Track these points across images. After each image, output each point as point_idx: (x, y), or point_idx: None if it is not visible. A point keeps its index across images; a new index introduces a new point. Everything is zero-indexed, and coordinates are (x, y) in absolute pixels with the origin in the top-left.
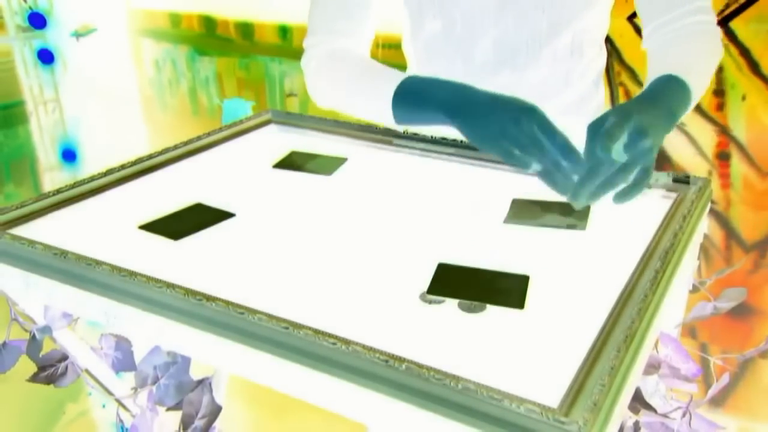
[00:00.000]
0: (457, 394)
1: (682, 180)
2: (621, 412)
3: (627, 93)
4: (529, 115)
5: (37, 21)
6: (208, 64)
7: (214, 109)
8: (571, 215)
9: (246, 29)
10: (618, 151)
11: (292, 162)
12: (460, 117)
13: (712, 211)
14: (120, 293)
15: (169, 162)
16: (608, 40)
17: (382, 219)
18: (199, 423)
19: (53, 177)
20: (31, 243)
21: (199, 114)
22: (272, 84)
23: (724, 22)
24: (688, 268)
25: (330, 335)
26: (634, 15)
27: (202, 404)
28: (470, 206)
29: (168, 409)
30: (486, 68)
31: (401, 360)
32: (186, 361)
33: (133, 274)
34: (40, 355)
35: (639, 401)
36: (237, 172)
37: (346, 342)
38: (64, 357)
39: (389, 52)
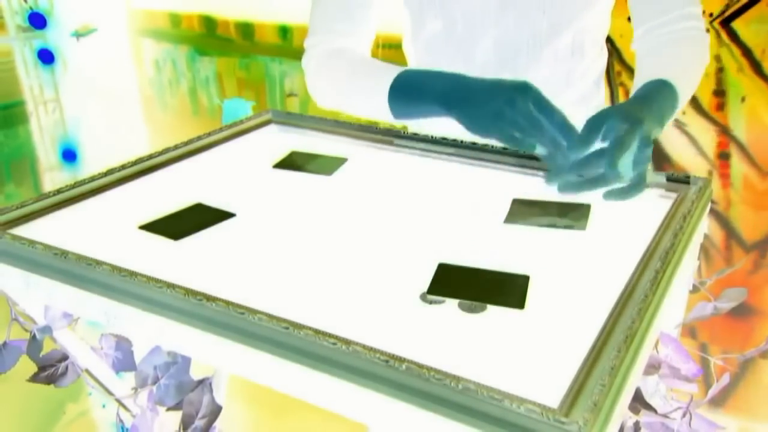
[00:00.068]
0: (458, 395)
1: (682, 180)
2: (621, 413)
3: (627, 93)
4: (524, 94)
5: (38, 21)
6: (209, 64)
7: (215, 109)
8: (571, 215)
9: (246, 29)
10: (626, 165)
11: (292, 162)
12: (455, 106)
13: (713, 211)
14: (120, 293)
15: (169, 162)
16: (608, 40)
17: (383, 219)
18: (199, 423)
19: (53, 177)
20: (32, 243)
21: (200, 114)
22: (272, 84)
23: (726, 22)
24: (688, 268)
25: (330, 335)
26: None
27: (202, 404)
28: (470, 206)
29: (168, 409)
30: (487, 68)
31: (401, 360)
32: (186, 361)
33: (133, 274)
34: (41, 355)
35: (639, 401)
36: (237, 172)
37: (347, 342)
38: (65, 357)
39: (389, 52)
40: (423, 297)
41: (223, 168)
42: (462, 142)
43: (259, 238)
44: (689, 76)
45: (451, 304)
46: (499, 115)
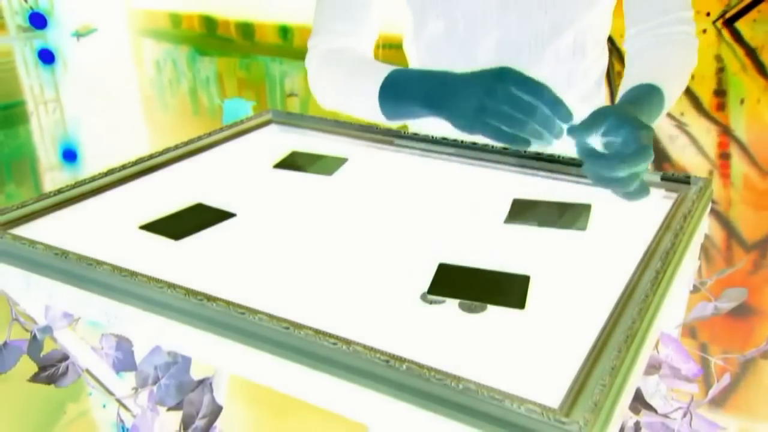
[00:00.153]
0: (458, 395)
1: (683, 180)
2: (622, 413)
3: None
4: (502, 80)
5: (38, 21)
6: (209, 64)
7: (215, 109)
8: (571, 215)
9: (247, 29)
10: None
11: (292, 162)
12: (438, 107)
13: (713, 211)
14: (121, 293)
15: (169, 162)
16: (609, 40)
17: (383, 219)
18: (199, 423)
19: (54, 177)
20: (32, 243)
21: (200, 114)
22: (273, 84)
23: (729, 22)
24: (688, 268)
25: (330, 335)
26: None
27: (202, 404)
28: (470, 206)
29: (169, 409)
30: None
31: (402, 360)
32: (187, 361)
33: (133, 274)
34: (41, 355)
35: (640, 401)
36: (237, 173)
37: (347, 342)
38: (65, 357)
39: (389, 52)
40: (423, 297)
41: (224, 168)
42: (462, 142)
43: (260, 239)
44: (677, 82)
45: (452, 304)
46: (481, 109)
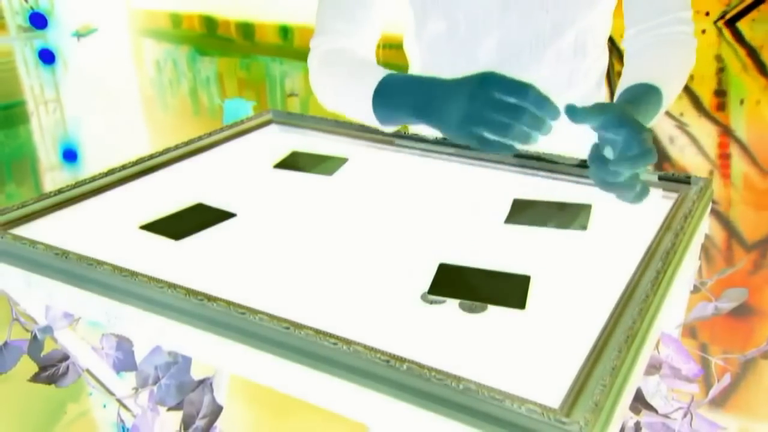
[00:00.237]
0: (458, 395)
1: (683, 180)
2: (622, 413)
3: None
4: (484, 86)
5: (38, 21)
6: (209, 64)
7: (215, 109)
8: (572, 215)
9: (247, 29)
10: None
11: (292, 162)
12: (428, 117)
13: (713, 211)
14: (121, 293)
15: (170, 162)
16: (609, 40)
17: (383, 219)
18: (200, 423)
19: (54, 177)
20: (33, 243)
21: (200, 114)
22: (273, 84)
23: (730, 22)
24: (689, 268)
25: (331, 335)
26: None
27: (203, 404)
28: (471, 206)
29: (169, 409)
30: (489, 69)
31: (402, 360)
32: (187, 361)
33: (134, 274)
34: (41, 355)
35: (640, 401)
36: (238, 173)
37: (347, 342)
38: (65, 357)
39: (390, 52)
40: (424, 297)
41: (224, 168)
42: None
43: (260, 238)
44: (675, 81)
45: (452, 304)
46: (466, 117)
